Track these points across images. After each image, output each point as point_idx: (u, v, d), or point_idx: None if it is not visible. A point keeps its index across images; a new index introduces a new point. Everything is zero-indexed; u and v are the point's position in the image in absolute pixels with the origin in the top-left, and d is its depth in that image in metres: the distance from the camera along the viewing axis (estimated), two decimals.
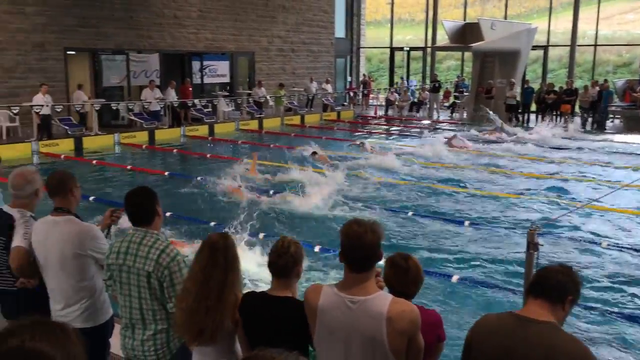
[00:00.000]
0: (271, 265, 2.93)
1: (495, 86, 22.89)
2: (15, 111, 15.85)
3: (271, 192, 10.68)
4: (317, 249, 7.60)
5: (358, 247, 2.50)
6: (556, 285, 2.45)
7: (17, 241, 3.59)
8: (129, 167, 13.48)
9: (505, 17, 29.21)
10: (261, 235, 7.87)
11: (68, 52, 18.20)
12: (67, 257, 3.50)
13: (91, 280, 3.58)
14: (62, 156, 14.83)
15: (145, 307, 3.23)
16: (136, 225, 3.30)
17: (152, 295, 3.20)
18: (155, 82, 19.62)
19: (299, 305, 2.79)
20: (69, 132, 16.54)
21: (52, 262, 3.54)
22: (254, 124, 21.12)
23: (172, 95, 19.52)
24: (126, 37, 19.49)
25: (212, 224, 8.64)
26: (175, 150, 15.98)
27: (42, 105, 15.64)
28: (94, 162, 14.21)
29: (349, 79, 30.99)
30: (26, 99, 16.36)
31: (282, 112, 22.63)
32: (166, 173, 12.66)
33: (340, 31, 29.69)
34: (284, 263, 2.89)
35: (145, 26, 20.03)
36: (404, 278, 2.86)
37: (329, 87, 25.79)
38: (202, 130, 19.44)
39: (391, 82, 30.89)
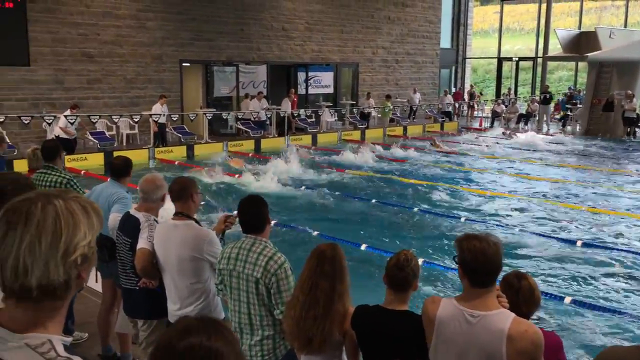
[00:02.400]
0: (391, 279, 2.88)
1: (616, 98, 21.54)
2: (135, 119, 16.98)
3: None
4: None
5: (483, 263, 2.45)
6: None
7: (142, 243, 3.80)
8: (236, 175, 13.95)
9: (625, 26, 27.47)
10: None
11: (183, 64, 19.25)
12: (184, 260, 3.65)
13: (206, 282, 3.72)
14: (176, 162, 15.66)
15: (253, 312, 3.29)
16: (247, 233, 3.37)
17: (260, 301, 3.26)
18: (263, 93, 20.27)
19: (419, 319, 2.75)
20: (182, 140, 17.48)
21: (171, 264, 3.71)
22: (356, 135, 21.23)
23: (288, 106, 20.06)
24: (237, 49, 20.30)
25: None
26: (278, 159, 16.34)
27: (160, 115, 16.64)
28: (205, 168, 14.83)
29: (453, 89, 30.40)
30: (145, 108, 17.48)
31: (386, 123, 22.55)
32: (272, 180, 12.98)
33: (445, 41, 29.19)
34: (404, 276, 2.85)
35: (255, 39, 20.77)
36: (515, 298, 2.77)
37: (449, 99, 25.50)
38: (306, 139, 19.79)
39: (498, 93, 29.94)
